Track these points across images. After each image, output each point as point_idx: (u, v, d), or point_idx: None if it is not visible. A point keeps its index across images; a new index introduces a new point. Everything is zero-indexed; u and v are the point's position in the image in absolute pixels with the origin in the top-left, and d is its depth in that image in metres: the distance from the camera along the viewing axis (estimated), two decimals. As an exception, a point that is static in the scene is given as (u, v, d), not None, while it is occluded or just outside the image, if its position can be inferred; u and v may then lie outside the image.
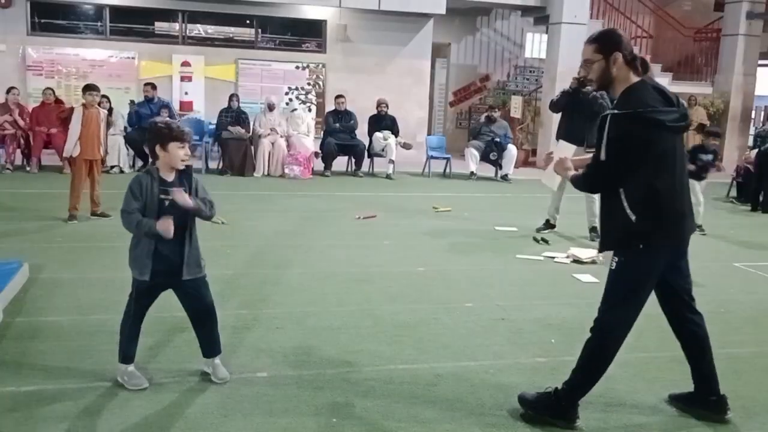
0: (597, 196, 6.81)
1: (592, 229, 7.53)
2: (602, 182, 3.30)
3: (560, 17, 13.64)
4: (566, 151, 3.85)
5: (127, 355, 3.69)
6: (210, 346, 3.78)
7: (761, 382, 4.04)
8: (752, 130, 16.09)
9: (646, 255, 3.22)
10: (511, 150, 11.96)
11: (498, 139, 11.86)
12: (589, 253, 6.64)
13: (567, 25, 13.60)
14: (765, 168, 10.12)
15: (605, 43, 3.18)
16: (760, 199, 10.20)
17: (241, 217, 7.92)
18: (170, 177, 3.58)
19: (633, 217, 3.15)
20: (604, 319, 3.34)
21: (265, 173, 11.27)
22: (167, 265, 3.61)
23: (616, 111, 3.14)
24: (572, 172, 3.48)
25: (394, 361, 4.09)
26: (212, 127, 12.03)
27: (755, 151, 10.48)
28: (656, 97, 3.14)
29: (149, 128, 3.68)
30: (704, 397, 3.55)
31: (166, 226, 3.43)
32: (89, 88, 7.50)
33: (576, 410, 3.41)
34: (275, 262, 6.16)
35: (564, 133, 7.72)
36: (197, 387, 3.65)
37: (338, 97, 11.95)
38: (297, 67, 13.55)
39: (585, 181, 3.40)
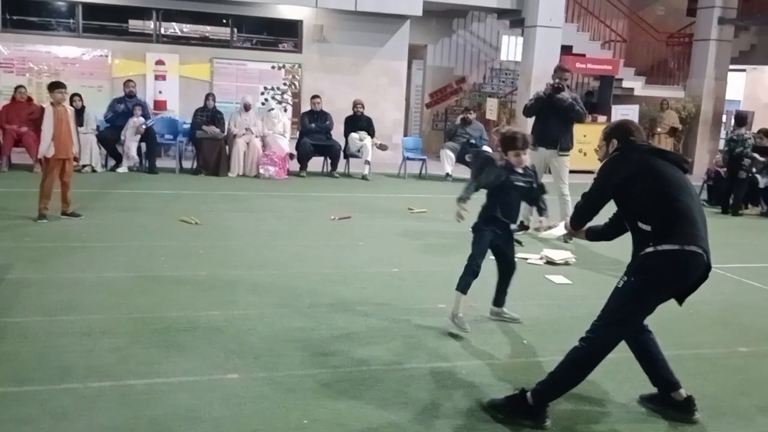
0: (570, 198, 7.05)
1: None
2: (589, 217, 3.73)
3: (536, 20, 13.70)
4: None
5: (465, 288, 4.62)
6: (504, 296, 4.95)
7: (729, 382, 4.08)
8: (723, 134, 16.28)
9: (656, 272, 3.31)
10: (487, 152, 11.98)
11: (473, 141, 11.89)
12: (561, 254, 6.68)
13: (542, 28, 13.68)
14: (736, 171, 10.25)
15: (608, 133, 3.71)
16: (730, 201, 10.34)
17: (214, 218, 7.85)
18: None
19: (648, 228, 3.35)
20: (600, 334, 3.37)
21: (240, 173, 11.18)
22: None
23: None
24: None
25: (367, 362, 4.08)
26: (186, 126, 11.93)
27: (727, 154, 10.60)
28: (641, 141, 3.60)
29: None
30: (669, 397, 3.59)
31: None
32: (57, 86, 7.39)
33: (545, 410, 3.43)
34: (248, 262, 6.11)
35: (538, 136, 7.75)
36: (166, 389, 3.60)
37: (314, 97, 11.90)
38: (273, 67, 13.48)
39: (575, 219, 3.81)
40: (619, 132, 3.66)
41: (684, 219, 3.32)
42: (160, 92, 13.03)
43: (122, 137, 10.98)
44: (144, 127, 10.96)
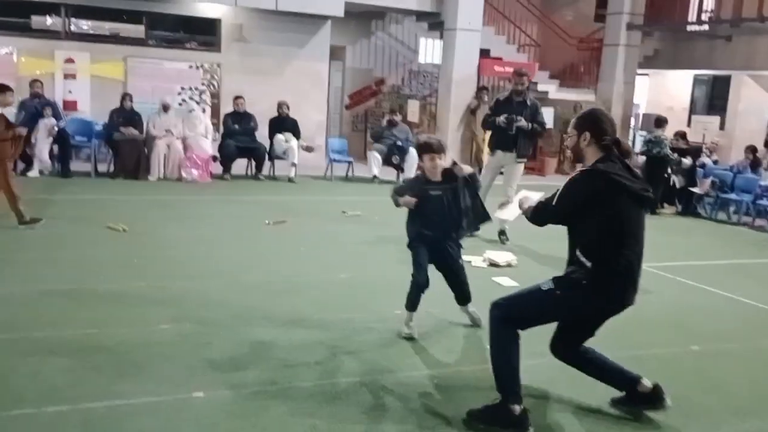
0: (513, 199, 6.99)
1: (501, 233, 7.67)
2: (547, 222, 3.63)
3: (455, 23, 13.85)
4: (533, 197, 4.08)
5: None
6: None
7: (692, 383, 4.20)
8: (630, 136, 16.97)
9: (582, 296, 3.42)
10: (413, 154, 12.01)
11: (400, 143, 11.89)
12: (504, 257, 6.74)
13: (462, 31, 13.84)
14: (652, 172, 10.70)
15: (581, 123, 3.52)
16: (648, 201, 10.77)
17: (143, 225, 7.49)
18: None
19: (588, 264, 3.36)
20: (509, 314, 3.50)
21: (161, 177, 10.75)
22: None
23: (585, 168, 3.45)
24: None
25: (336, 374, 3.96)
26: (99, 128, 11.37)
27: (642, 157, 11.01)
28: (621, 168, 3.41)
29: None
30: (636, 392, 3.66)
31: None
32: (7, 89, 7.22)
33: (527, 418, 3.41)
34: (190, 272, 5.85)
35: (497, 140, 7.79)
36: (129, 411, 3.38)
37: (237, 98, 11.56)
38: (190, 67, 13.03)
39: (534, 216, 3.67)
40: (591, 123, 3.50)
41: (623, 275, 3.39)
42: (70, 92, 12.35)
43: (33, 139, 10.33)
44: (56, 128, 10.36)
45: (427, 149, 4.54)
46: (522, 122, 7.51)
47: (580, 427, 3.55)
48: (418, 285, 4.57)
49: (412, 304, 4.61)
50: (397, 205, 4.65)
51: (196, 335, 4.40)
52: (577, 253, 3.40)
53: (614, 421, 3.65)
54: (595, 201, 3.35)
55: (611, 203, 3.35)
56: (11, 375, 3.67)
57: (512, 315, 3.49)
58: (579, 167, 3.55)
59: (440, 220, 4.58)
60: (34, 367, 3.78)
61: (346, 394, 3.72)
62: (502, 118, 7.55)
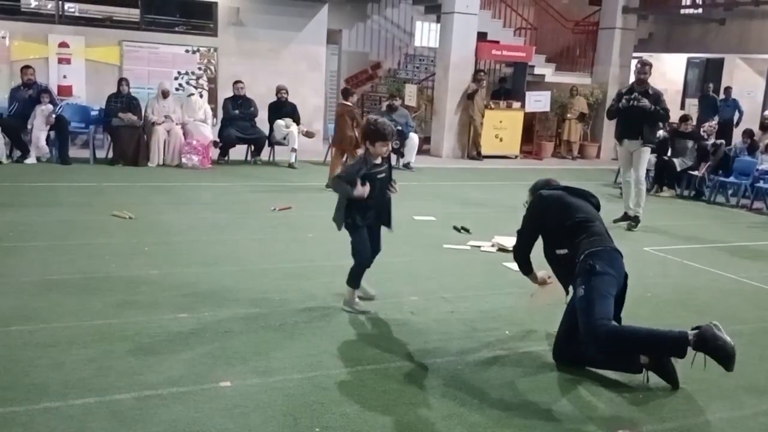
0: (644, 186, 8.36)
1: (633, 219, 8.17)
2: (521, 246, 4.47)
3: (452, 7, 13.77)
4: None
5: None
6: None
7: (709, 364, 4.18)
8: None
9: (599, 268, 3.84)
10: (413, 138, 11.99)
11: (400, 128, 11.82)
12: (513, 241, 6.72)
13: (459, 14, 13.76)
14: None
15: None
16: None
17: (147, 211, 7.44)
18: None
19: (565, 250, 4.04)
20: (598, 335, 3.69)
21: (160, 163, 10.67)
22: None
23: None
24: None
25: (361, 361, 3.95)
26: (96, 113, 11.28)
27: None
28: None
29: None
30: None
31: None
32: None
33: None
34: (202, 259, 5.82)
35: (622, 130, 8.14)
36: (158, 402, 3.35)
37: (237, 82, 11.46)
38: (187, 51, 12.91)
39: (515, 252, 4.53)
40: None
41: (587, 229, 4.06)
42: (64, 77, 12.21)
43: (29, 126, 10.22)
44: (54, 116, 10.24)
45: (382, 137, 4.58)
46: (644, 102, 7.79)
47: (603, 409, 3.56)
48: (363, 264, 4.75)
49: (357, 282, 4.78)
50: (349, 196, 4.56)
51: (214, 323, 4.38)
52: (557, 252, 4.10)
53: (635, 401, 3.67)
54: (547, 209, 4.22)
55: (560, 201, 4.23)
56: (33, 367, 3.63)
57: (596, 321, 3.70)
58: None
59: (379, 200, 4.73)
60: (56, 358, 3.74)
61: (374, 382, 3.70)
62: (623, 101, 7.93)
